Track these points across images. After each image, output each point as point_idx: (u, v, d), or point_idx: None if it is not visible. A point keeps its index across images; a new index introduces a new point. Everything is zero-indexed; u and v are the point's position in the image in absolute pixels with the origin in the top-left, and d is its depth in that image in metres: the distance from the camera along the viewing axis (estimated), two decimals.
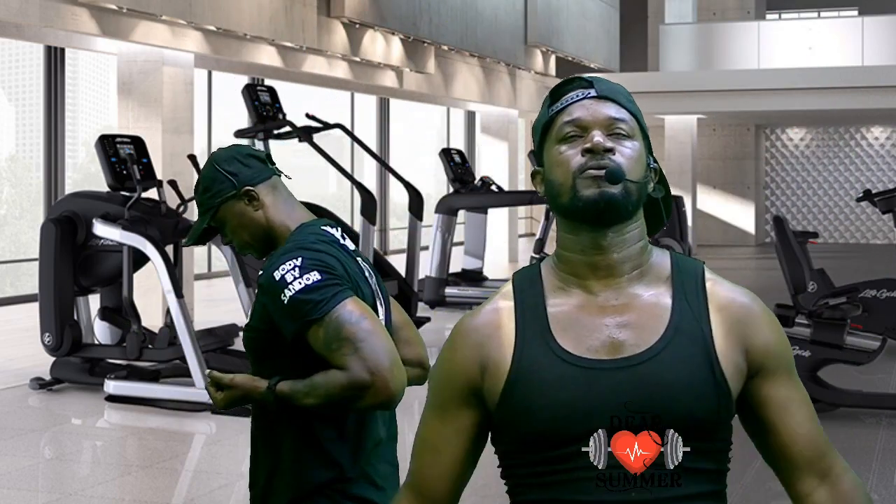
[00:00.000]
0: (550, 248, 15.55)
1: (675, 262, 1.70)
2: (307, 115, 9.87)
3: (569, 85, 1.73)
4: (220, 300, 12.72)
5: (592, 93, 1.69)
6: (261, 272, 2.37)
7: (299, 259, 2.30)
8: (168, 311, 7.69)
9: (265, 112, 9.39)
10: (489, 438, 1.73)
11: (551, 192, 1.68)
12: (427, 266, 13.02)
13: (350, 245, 2.49)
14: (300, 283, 2.27)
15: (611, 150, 1.64)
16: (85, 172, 14.78)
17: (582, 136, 1.66)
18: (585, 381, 1.59)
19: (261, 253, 2.51)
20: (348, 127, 13.58)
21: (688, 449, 1.60)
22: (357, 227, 9.66)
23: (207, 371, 2.41)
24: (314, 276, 2.28)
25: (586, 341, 1.62)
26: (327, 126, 9.97)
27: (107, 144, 8.02)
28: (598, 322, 1.63)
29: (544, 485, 1.63)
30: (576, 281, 1.67)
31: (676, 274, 1.69)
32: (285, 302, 2.26)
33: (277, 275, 2.28)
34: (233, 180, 2.48)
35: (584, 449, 1.59)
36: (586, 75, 1.75)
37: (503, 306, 1.69)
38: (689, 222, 17.71)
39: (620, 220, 1.65)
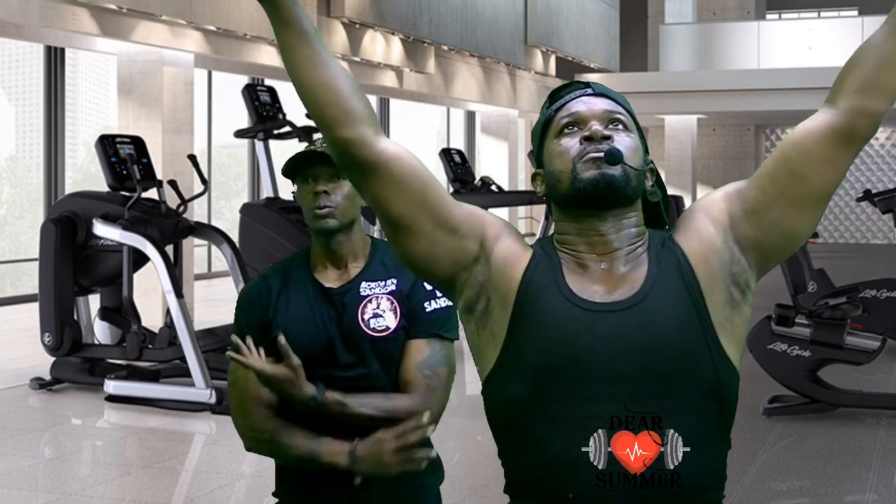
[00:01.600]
0: None
1: (650, 235, 1.76)
2: (307, 116, 9.87)
3: (566, 88, 1.78)
4: (220, 300, 12.72)
5: (589, 91, 1.75)
6: (399, 280, 2.46)
7: None
8: (168, 311, 7.69)
9: (265, 112, 9.39)
10: (485, 410, 1.73)
11: (551, 182, 1.72)
12: None
13: None
14: (446, 302, 2.46)
15: (609, 138, 1.69)
16: (85, 172, 14.79)
17: (581, 129, 1.71)
18: (586, 323, 1.64)
19: (343, 236, 2.48)
20: None
21: (683, 405, 1.62)
22: None
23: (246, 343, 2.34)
24: (447, 302, 2.47)
25: (587, 290, 1.68)
26: None
27: (107, 144, 8.01)
28: (595, 283, 1.69)
29: (546, 461, 1.63)
30: (572, 258, 1.72)
31: (652, 239, 1.74)
32: (427, 309, 2.44)
33: (428, 286, 2.45)
34: None
35: (583, 392, 1.61)
36: (583, 78, 1.78)
37: (529, 244, 1.77)
38: None
39: (620, 204, 1.69)
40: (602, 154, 1.66)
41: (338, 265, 2.50)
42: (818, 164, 1.70)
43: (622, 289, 1.67)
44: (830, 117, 1.70)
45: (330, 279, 2.48)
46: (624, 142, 1.69)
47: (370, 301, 2.45)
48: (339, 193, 2.47)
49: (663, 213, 1.82)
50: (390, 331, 2.43)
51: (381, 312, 2.44)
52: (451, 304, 2.40)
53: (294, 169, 2.51)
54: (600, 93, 1.74)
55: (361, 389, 2.40)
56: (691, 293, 1.67)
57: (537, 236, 15.21)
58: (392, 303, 2.45)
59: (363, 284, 2.47)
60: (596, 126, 1.69)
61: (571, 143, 1.70)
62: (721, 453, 1.67)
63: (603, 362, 1.62)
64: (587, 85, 1.76)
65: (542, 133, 1.76)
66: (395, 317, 2.44)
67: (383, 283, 2.47)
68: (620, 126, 1.71)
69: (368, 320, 2.43)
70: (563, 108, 1.74)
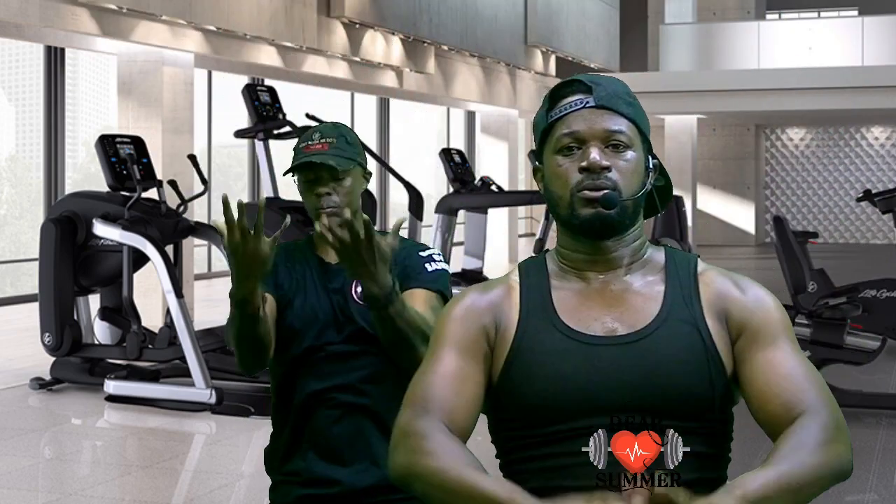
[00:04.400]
0: (550, 247, 15.53)
1: (669, 254, 1.76)
2: (307, 115, 9.87)
3: (568, 87, 1.74)
4: (220, 300, 12.71)
5: (591, 102, 1.70)
6: (396, 255, 2.48)
7: (436, 251, 2.61)
8: (168, 311, 7.69)
9: (265, 112, 9.39)
10: (487, 425, 1.73)
11: (550, 200, 1.73)
12: None
13: None
14: (444, 266, 2.57)
15: (608, 168, 1.67)
16: (85, 172, 14.78)
17: (579, 149, 1.69)
18: (585, 356, 1.64)
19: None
20: (348, 127, 13.55)
21: (684, 426, 1.61)
22: None
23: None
24: (447, 269, 2.59)
25: (586, 322, 1.67)
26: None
27: (107, 144, 8.01)
28: (597, 306, 1.69)
29: (546, 470, 1.63)
30: (575, 273, 1.73)
31: (670, 264, 1.74)
32: (429, 269, 2.53)
33: (424, 254, 2.56)
34: (364, 156, 2.66)
35: (582, 425, 1.61)
36: (586, 76, 1.75)
37: (512, 281, 1.76)
38: (689, 222, 17.70)
39: (619, 234, 1.70)
40: (599, 195, 1.66)
41: None
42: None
43: (625, 313, 1.67)
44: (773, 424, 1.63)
45: (331, 256, 2.56)
46: (622, 167, 1.68)
47: None
48: (342, 192, 2.55)
49: (657, 200, 1.82)
50: None
51: None
52: (447, 269, 2.57)
53: (295, 170, 2.60)
54: (602, 104, 1.70)
55: (348, 355, 2.50)
56: (700, 329, 1.67)
57: (537, 236, 15.20)
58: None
59: None
60: (594, 154, 1.66)
61: (570, 169, 1.68)
62: (718, 436, 1.68)
63: (603, 394, 1.62)
64: (589, 89, 1.71)
65: (541, 137, 1.75)
66: None
67: None
68: (621, 146, 1.69)
69: (360, 293, 2.49)
70: (562, 120, 1.71)
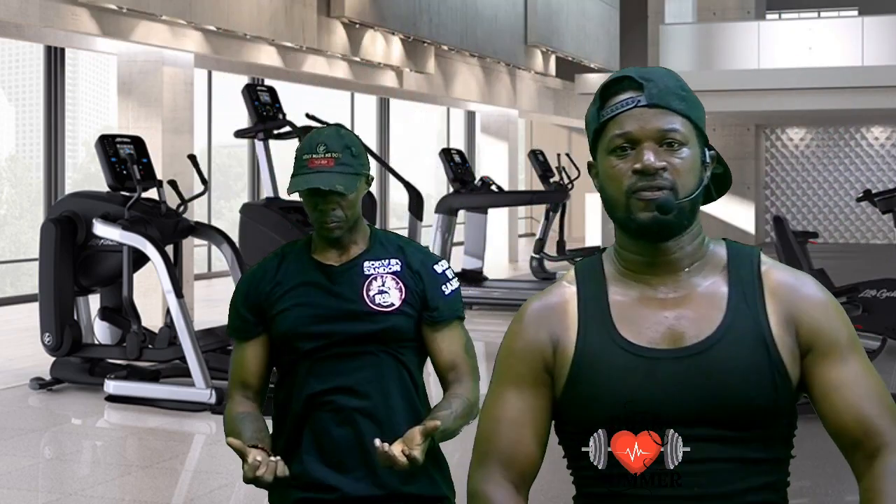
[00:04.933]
0: (550, 248, 15.53)
1: (730, 251, 1.72)
2: (307, 115, 9.87)
3: (618, 84, 1.69)
4: (220, 300, 12.71)
5: (642, 100, 1.65)
6: (403, 262, 2.55)
7: (445, 262, 2.63)
8: (168, 311, 7.69)
9: (265, 112, 9.38)
10: (554, 428, 1.73)
11: (606, 202, 1.68)
12: None
13: None
14: (457, 282, 2.61)
15: (663, 169, 1.63)
16: (85, 172, 14.79)
17: (633, 149, 1.65)
18: (646, 372, 1.62)
19: (342, 235, 2.55)
20: (348, 127, 13.55)
21: (747, 435, 1.61)
22: None
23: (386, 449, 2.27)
24: (458, 282, 2.62)
25: (647, 333, 1.65)
26: (327, 126, 9.96)
27: (107, 144, 8.01)
28: (658, 314, 1.66)
29: (607, 476, 1.63)
30: (635, 276, 1.69)
31: (732, 262, 1.70)
32: (447, 293, 2.55)
33: (438, 269, 2.58)
34: (368, 164, 2.63)
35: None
36: (637, 70, 1.69)
37: (568, 291, 1.72)
38: None
39: (676, 236, 1.67)
40: (655, 197, 1.62)
41: (339, 249, 2.59)
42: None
43: (688, 320, 1.65)
44: (856, 466, 1.65)
45: (330, 259, 2.57)
46: (678, 165, 1.64)
47: (375, 279, 2.54)
48: (344, 207, 2.54)
49: (712, 189, 1.78)
50: (395, 307, 2.52)
51: (386, 290, 2.54)
52: (458, 283, 2.61)
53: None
54: (654, 103, 1.65)
55: (349, 356, 2.50)
56: (765, 338, 1.65)
57: (537, 236, 15.20)
58: (397, 282, 2.54)
59: (366, 263, 2.56)
60: (648, 156, 1.63)
61: (624, 170, 1.64)
62: (782, 441, 1.68)
63: (666, 409, 1.61)
64: (640, 86, 1.66)
65: (594, 137, 1.70)
66: (400, 294, 2.53)
67: (386, 262, 2.56)
68: (675, 144, 1.64)
69: (374, 296, 2.52)
70: (614, 120, 1.66)
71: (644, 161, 1.63)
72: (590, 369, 1.64)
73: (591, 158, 1.74)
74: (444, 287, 2.56)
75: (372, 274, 2.54)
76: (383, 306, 2.51)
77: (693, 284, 1.67)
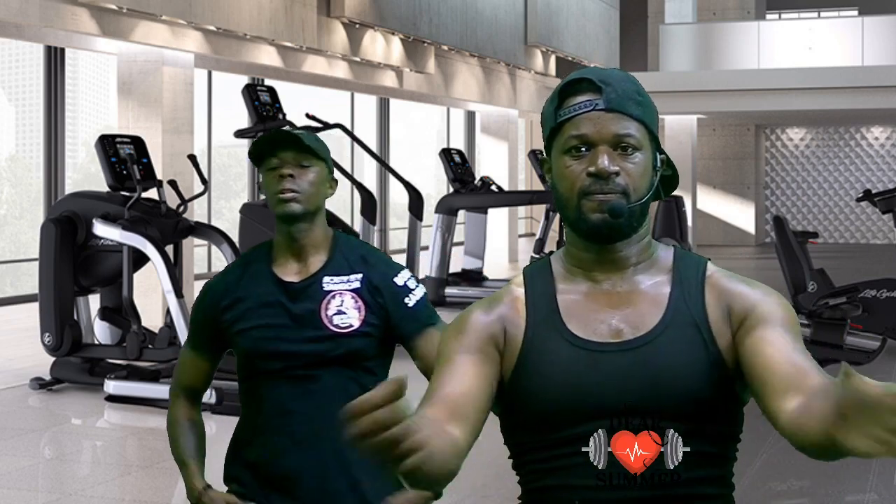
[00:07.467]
0: (550, 247, 15.57)
1: (677, 255, 1.76)
2: (307, 115, 9.88)
3: (577, 86, 1.71)
4: None
5: (600, 104, 1.68)
6: (364, 277, 2.48)
7: (406, 271, 2.55)
8: (168, 311, 7.69)
9: (265, 112, 9.39)
10: (500, 426, 1.74)
11: (558, 200, 1.72)
12: (427, 266, 13.02)
13: None
14: (421, 290, 2.53)
15: (616, 173, 1.66)
16: (85, 172, 14.79)
17: (588, 150, 1.68)
18: (591, 364, 1.65)
19: (306, 224, 2.48)
20: (348, 127, 13.58)
21: (689, 427, 1.63)
22: (357, 227, 9.66)
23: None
24: (423, 289, 2.55)
25: (592, 326, 1.68)
26: (327, 126, 9.97)
27: (107, 144, 8.02)
28: (603, 309, 1.70)
29: (554, 469, 1.65)
30: (582, 272, 1.73)
31: (677, 265, 1.74)
32: (410, 305, 2.48)
33: (399, 281, 2.50)
34: (332, 166, 2.59)
35: (587, 429, 1.63)
36: (595, 73, 1.71)
37: (516, 291, 1.76)
38: (689, 222, 17.71)
39: (625, 238, 1.70)
40: (607, 200, 1.65)
41: (299, 256, 2.50)
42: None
43: (631, 315, 1.68)
44: (783, 411, 1.55)
45: (290, 273, 2.49)
46: (631, 170, 1.67)
47: (333, 297, 2.45)
48: (306, 179, 2.46)
49: (660, 189, 1.79)
50: (353, 329, 2.44)
51: (344, 310, 2.45)
52: (423, 290, 2.55)
53: (260, 154, 2.48)
54: (612, 108, 1.68)
55: (308, 379, 2.43)
56: (702, 331, 1.67)
57: (537, 236, 15.22)
58: (356, 300, 2.46)
59: (325, 279, 2.47)
60: (604, 162, 1.65)
61: (578, 171, 1.67)
62: (724, 438, 1.68)
63: (607, 400, 1.63)
64: (599, 89, 1.68)
65: (549, 135, 1.73)
66: (359, 315, 2.45)
67: (346, 278, 2.48)
68: (629, 149, 1.67)
69: (332, 316, 2.44)
70: (571, 121, 1.69)
71: (599, 165, 1.66)
72: (537, 359, 1.67)
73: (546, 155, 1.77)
74: (406, 300, 2.49)
75: (331, 291, 2.45)
76: (342, 328, 2.43)
77: (637, 282, 1.71)
